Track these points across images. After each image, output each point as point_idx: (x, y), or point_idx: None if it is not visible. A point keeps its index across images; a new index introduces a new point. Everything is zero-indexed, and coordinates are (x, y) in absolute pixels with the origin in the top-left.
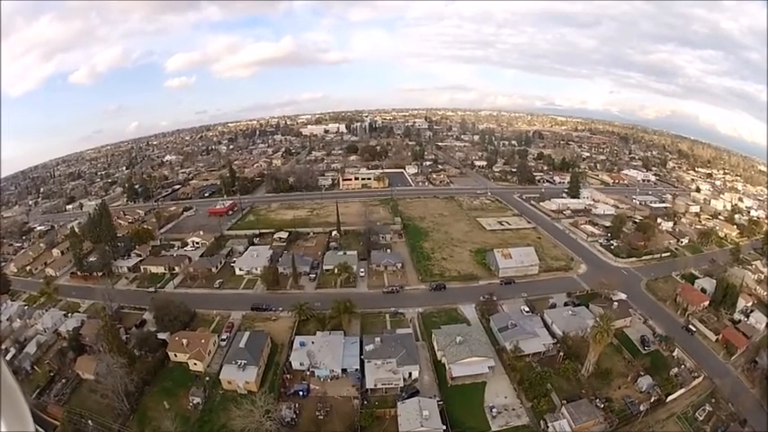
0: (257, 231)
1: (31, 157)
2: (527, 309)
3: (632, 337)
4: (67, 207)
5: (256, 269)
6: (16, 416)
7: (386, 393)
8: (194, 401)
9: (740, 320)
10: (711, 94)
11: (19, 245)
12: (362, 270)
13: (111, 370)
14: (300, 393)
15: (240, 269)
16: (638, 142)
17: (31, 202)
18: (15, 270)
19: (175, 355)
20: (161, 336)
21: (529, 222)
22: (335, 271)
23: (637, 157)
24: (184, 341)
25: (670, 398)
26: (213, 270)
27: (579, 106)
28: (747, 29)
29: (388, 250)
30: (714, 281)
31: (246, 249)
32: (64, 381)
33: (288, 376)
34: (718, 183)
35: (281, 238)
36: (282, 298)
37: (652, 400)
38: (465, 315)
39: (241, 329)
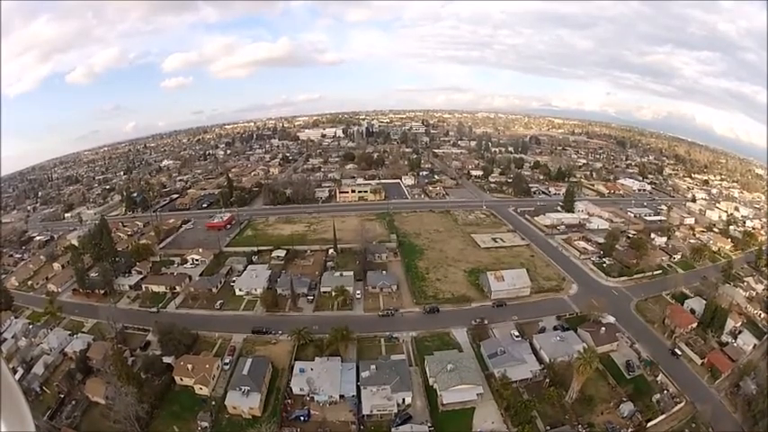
0: (255, 249)
1: (28, 156)
2: (517, 333)
3: (618, 362)
4: (66, 215)
5: (256, 290)
6: (16, 416)
7: (381, 419)
8: (202, 425)
9: (727, 343)
10: (708, 96)
11: (19, 256)
12: (359, 292)
13: (121, 395)
14: (301, 418)
15: (240, 289)
16: (635, 146)
17: (29, 208)
18: (17, 284)
19: (181, 380)
20: (166, 359)
21: (523, 239)
22: (332, 294)
23: (633, 164)
24: (189, 366)
25: (650, 424)
26: (213, 290)
27: (576, 107)
28: (745, 30)
29: (384, 271)
30: (704, 301)
31: (245, 268)
32: (74, 403)
33: (289, 401)
34: (714, 191)
35: (278, 256)
36: (282, 320)
37: (629, 431)
38: (457, 339)
39: (243, 354)
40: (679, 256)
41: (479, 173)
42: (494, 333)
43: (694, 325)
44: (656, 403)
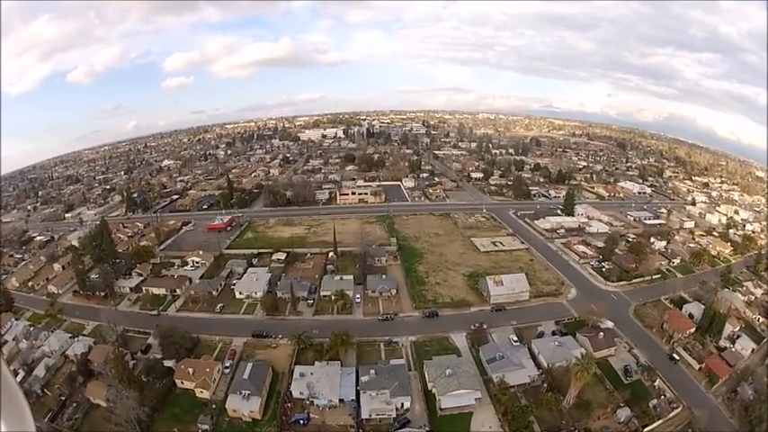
0: (256, 251)
1: (28, 155)
2: (515, 338)
3: (616, 367)
4: (66, 215)
5: (256, 293)
6: (16, 416)
7: (380, 423)
8: (203, 428)
9: (726, 348)
10: (709, 97)
11: (19, 256)
12: (358, 296)
13: (122, 398)
14: (301, 422)
15: (240, 293)
16: (635, 148)
17: (29, 207)
18: (17, 285)
19: (182, 383)
20: (167, 363)
21: (522, 243)
22: (332, 297)
23: (633, 166)
24: (190, 370)
25: (647, 429)
26: (214, 293)
27: (577, 108)
28: (746, 32)
29: (384, 275)
30: (703, 305)
31: (245, 271)
32: (75, 405)
33: (289, 405)
34: (714, 194)
35: (278, 259)
36: (282, 324)
37: None
38: (456, 344)
39: (243, 358)
40: (678, 261)
41: (480, 175)
42: (492, 338)
43: (693, 330)
44: (653, 408)
